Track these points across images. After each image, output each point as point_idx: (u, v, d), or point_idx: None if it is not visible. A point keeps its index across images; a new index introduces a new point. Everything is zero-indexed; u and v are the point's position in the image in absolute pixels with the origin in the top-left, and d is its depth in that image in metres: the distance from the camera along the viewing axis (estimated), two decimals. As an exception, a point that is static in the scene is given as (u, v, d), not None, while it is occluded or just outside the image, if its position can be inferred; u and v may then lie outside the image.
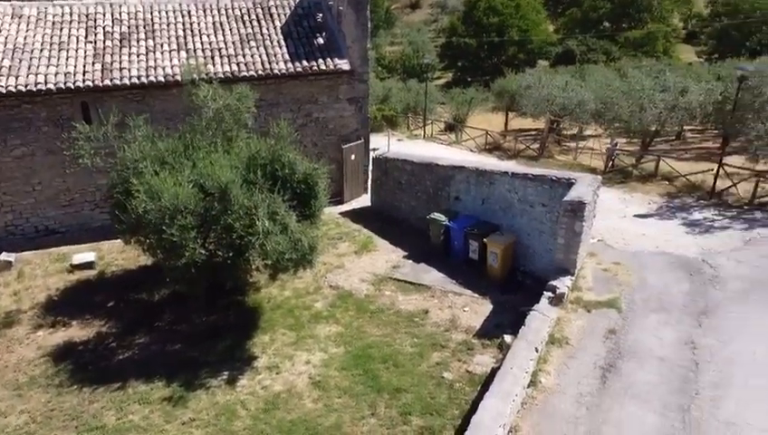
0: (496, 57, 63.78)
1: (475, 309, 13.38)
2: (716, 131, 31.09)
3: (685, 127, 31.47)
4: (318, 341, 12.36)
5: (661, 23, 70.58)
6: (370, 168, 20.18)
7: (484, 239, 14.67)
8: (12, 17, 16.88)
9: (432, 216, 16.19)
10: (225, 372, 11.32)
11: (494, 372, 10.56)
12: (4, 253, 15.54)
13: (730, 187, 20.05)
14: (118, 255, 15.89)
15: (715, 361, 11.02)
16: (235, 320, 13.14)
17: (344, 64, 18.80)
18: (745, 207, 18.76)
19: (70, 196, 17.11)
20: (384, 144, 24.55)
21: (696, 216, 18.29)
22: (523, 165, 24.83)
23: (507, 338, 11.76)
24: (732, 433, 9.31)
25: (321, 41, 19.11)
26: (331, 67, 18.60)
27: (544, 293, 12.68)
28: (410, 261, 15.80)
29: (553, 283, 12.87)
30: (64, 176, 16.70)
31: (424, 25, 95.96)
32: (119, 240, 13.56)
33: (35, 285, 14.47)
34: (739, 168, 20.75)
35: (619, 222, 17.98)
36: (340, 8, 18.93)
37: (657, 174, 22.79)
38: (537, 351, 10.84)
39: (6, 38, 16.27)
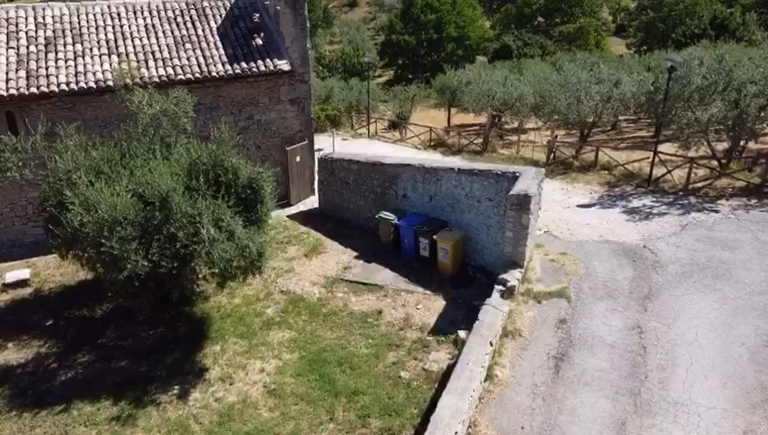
0: (435, 54, 64.58)
1: (429, 306, 13.39)
2: (649, 121, 32.22)
3: (620, 117, 32.45)
4: (271, 348, 12.11)
5: (592, 17, 73.10)
6: (316, 169, 19.95)
7: (434, 236, 14.72)
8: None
9: (381, 215, 16.13)
10: (176, 387, 10.95)
11: (450, 368, 10.58)
12: (-73, 275, 14.59)
13: (665, 174, 20.77)
14: (54, 270, 15.15)
15: (661, 344, 11.36)
16: (184, 332, 12.73)
17: (284, 65, 18.50)
18: (680, 193, 19.46)
19: (-2, 211, 16.22)
20: (329, 144, 24.33)
21: (636, 203, 18.86)
22: (467, 160, 25.12)
23: (462, 334, 11.81)
24: (681, 413, 9.61)
25: (259, 41, 18.73)
26: (271, 68, 18.26)
27: (495, 286, 12.76)
28: (361, 261, 15.70)
29: (504, 276, 12.98)
30: (-9, 190, 15.79)
31: (362, 24, 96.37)
32: (55, 255, 12.91)
33: (-36, 307, 13.63)
34: (672, 155, 21.55)
35: (563, 213, 18.36)
36: (278, 8, 18.60)
37: (597, 164, 23.40)
38: (491, 345, 10.91)
39: None
